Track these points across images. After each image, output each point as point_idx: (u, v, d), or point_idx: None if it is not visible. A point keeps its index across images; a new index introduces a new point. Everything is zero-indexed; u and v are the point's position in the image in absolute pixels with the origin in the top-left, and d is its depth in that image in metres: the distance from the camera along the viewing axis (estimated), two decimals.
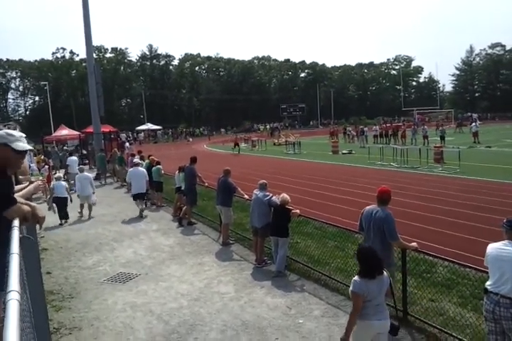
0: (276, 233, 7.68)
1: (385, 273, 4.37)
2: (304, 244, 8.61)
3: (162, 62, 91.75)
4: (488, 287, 4.18)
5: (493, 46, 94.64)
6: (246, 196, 9.68)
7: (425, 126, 34.38)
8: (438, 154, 19.88)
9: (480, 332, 4.94)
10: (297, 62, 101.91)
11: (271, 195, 8.17)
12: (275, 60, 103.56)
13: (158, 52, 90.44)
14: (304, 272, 7.59)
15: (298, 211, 7.83)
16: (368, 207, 5.79)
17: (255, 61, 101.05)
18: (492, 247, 4.23)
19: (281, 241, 7.60)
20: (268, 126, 69.78)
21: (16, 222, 2.53)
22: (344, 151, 28.93)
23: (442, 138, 29.56)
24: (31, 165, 15.57)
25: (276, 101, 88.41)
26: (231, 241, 9.72)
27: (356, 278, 4.29)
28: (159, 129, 66.91)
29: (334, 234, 8.40)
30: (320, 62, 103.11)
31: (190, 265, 8.37)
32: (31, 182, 4.19)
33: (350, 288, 4.28)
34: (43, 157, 22.12)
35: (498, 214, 9.80)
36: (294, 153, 31.35)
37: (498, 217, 8.97)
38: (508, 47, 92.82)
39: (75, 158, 20.38)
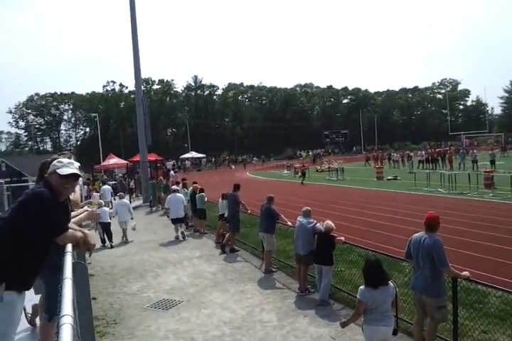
0: (320, 261, 7.58)
1: (390, 284, 4.96)
2: (348, 272, 8.42)
3: (206, 92, 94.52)
4: None
5: None
6: (289, 223, 9.66)
7: (475, 151, 33.32)
8: (488, 179, 19.16)
9: None
10: (339, 88, 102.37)
11: (315, 221, 8.12)
12: (317, 87, 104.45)
13: (203, 82, 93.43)
14: (348, 301, 7.40)
15: (343, 238, 7.74)
16: (416, 235, 5.66)
17: (297, 88, 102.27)
18: None
19: (326, 269, 7.49)
20: (310, 153, 69.76)
21: (69, 248, 2.66)
22: (389, 177, 28.39)
23: (492, 162, 28.53)
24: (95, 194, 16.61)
25: (318, 128, 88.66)
26: (273, 269, 9.65)
27: (362, 287, 4.99)
28: (203, 157, 68.27)
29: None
30: (363, 88, 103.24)
31: (233, 292, 8.36)
32: (86, 210, 4.40)
33: (357, 296, 4.99)
34: (101, 184, 23.22)
35: None
36: (337, 180, 31.06)
37: None
38: None
39: (107, 186, 21.27)
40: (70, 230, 2.97)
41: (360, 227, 13.22)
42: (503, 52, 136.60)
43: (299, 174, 34.02)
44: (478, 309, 6.30)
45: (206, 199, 14.45)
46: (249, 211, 11.79)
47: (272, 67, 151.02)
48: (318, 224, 7.94)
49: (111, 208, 16.83)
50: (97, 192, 19.95)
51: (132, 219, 14.18)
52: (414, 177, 22.90)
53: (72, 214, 3.81)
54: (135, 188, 28.70)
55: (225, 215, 12.17)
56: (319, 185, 28.78)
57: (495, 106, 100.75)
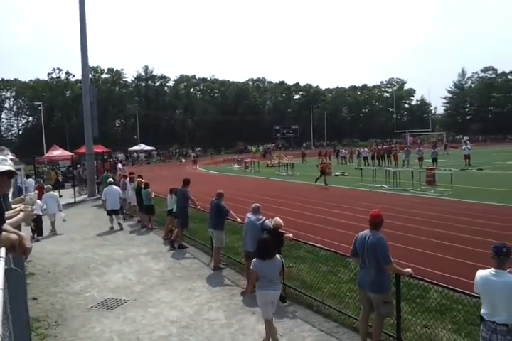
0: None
1: (277, 257, 6.00)
2: (296, 268, 8.51)
3: (157, 83, 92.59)
4: (484, 316, 4.14)
5: (485, 70, 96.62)
6: (238, 219, 9.63)
7: (421, 148, 34.53)
8: (430, 176, 19.95)
9: None
10: (291, 84, 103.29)
11: (264, 218, 8.11)
12: (270, 82, 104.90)
13: (154, 73, 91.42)
14: (296, 298, 7.47)
15: (291, 235, 7.79)
16: (361, 233, 5.76)
17: (250, 83, 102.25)
18: (480, 276, 4.22)
19: None
20: (260, 148, 69.99)
21: (2, 252, 2.47)
22: (337, 173, 29.01)
23: (434, 160, 29.76)
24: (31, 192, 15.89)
25: (270, 123, 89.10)
26: (222, 266, 9.60)
27: (254, 259, 5.92)
28: (152, 150, 66.96)
29: (327, 257, 8.34)
30: (314, 85, 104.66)
31: (181, 290, 8.23)
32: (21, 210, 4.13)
33: (251, 267, 5.92)
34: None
35: (488, 237, 9.81)
36: (287, 175, 31.38)
37: (489, 239, 8.99)
38: (499, 71, 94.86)
39: (31, 180, 20.35)
40: (3, 233, 2.76)
41: (308, 223, 13.41)
42: (448, 55, 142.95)
43: (249, 168, 34.04)
44: (420, 304, 6.53)
45: (153, 194, 14.13)
46: (199, 206, 11.65)
47: (225, 60, 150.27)
48: (267, 221, 7.94)
49: None
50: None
51: (61, 211, 14.34)
52: (361, 173, 23.52)
53: (7, 213, 3.57)
54: (74, 181, 27.41)
55: (174, 211, 11.97)
56: (270, 180, 28.95)
57: (438, 106, 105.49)
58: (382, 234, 5.58)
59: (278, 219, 7.76)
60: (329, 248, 7.71)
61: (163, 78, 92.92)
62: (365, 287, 5.55)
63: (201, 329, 6.49)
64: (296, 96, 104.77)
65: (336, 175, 28.34)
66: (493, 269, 4.10)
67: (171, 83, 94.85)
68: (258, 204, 8.47)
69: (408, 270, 5.52)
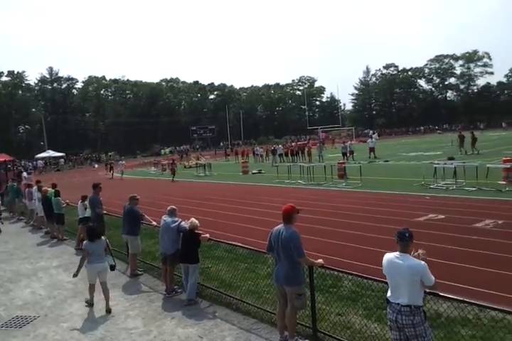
0: (185, 260, 7.49)
1: (102, 238, 7.81)
2: (215, 268, 8.49)
3: (64, 86, 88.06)
4: (389, 298, 4.35)
5: (387, 67, 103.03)
6: (154, 223, 9.40)
7: (350, 142, 35.92)
8: (341, 170, 20.88)
9: None
10: (206, 84, 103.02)
11: (180, 220, 7.98)
12: (184, 82, 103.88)
13: (60, 75, 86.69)
14: (215, 298, 7.45)
15: (207, 235, 7.74)
16: (275, 227, 5.83)
17: (163, 83, 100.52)
18: (386, 259, 4.42)
19: (192, 267, 7.42)
20: (167, 149, 68.71)
21: None
22: (254, 171, 29.42)
23: (344, 154, 31.17)
24: None
25: (186, 124, 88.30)
26: (139, 272, 9.32)
27: (85, 241, 7.68)
28: (61, 156, 63.48)
29: (245, 255, 8.39)
30: (228, 84, 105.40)
31: (96, 301, 7.85)
32: None
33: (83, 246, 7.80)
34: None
35: (396, 224, 10.42)
36: (205, 175, 31.28)
37: (396, 227, 9.56)
38: (400, 68, 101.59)
39: None
40: None
41: (226, 222, 13.45)
42: (354, 53, 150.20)
43: (167, 171, 33.43)
44: (333, 293, 6.78)
45: (65, 203, 13.32)
46: (105, 211, 11.21)
47: (136, 60, 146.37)
48: (183, 223, 7.83)
49: None
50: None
51: None
52: (277, 170, 24.04)
53: None
54: None
55: (88, 218, 11.39)
56: (188, 182, 28.67)
57: (347, 103, 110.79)
58: (296, 228, 5.69)
59: (194, 220, 7.68)
60: (247, 245, 7.78)
61: (70, 80, 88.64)
62: (280, 281, 5.64)
63: (118, 340, 6.24)
64: (212, 96, 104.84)
65: (254, 173, 28.72)
66: (397, 253, 4.31)
67: (79, 85, 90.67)
68: (174, 206, 8.33)
69: (320, 261, 5.69)
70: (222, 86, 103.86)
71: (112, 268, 7.83)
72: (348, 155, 31.80)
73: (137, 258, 9.52)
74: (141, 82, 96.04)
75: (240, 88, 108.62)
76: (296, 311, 5.65)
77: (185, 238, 7.62)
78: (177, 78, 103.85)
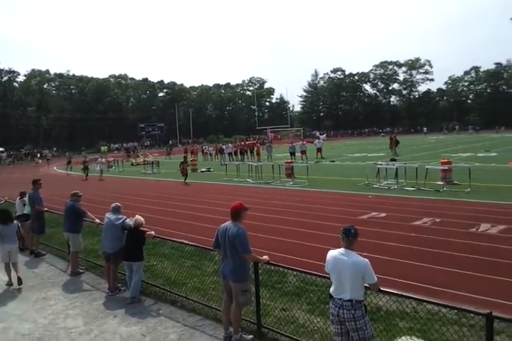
0: (129, 257, 7.32)
1: (15, 222, 8.80)
2: (160, 265, 8.37)
3: (4, 78, 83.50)
4: (332, 293, 4.45)
5: (334, 71, 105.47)
6: (97, 220, 9.13)
7: (304, 142, 36.31)
8: (289, 169, 21.20)
9: (327, 335, 5.24)
10: (155, 81, 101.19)
11: (124, 217, 7.79)
12: (132, 79, 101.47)
13: (0, 67, 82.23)
14: (160, 295, 7.34)
15: (153, 232, 7.60)
16: (223, 224, 5.82)
17: (111, 79, 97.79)
18: (330, 255, 4.51)
19: (136, 265, 7.26)
20: (105, 147, 66.81)
21: None
22: (203, 169, 29.28)
23: (292, 154, 31.64)
24: None
25: (134, 121, 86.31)
26: (81, 270, 9.02)
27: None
28: (1, 151, 60.34)
29: (191, 253, 8.33)
30: (178, 82, 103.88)
31: (33, 300, 7.54)
32: None
33: None
34: None
35: (341, 222, 10.68)
36: (153, 173, 30.76)
37: (341, 224, 9.81)
38: (347, 72, 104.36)
39: None
40: None
41: (173, 219, 13.31)
42: (304, 57, 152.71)
43: (113, 168, 32.61)
44: (278, 289, 6.86)
45: (3, 200, 12.68)
46: (46, 208, 10.77)
47: (82, 54, 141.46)
48: (127, 220, 7.65)
49: None
50: None
51: None
52: (226, 168, 24.05)
53: None
54: None
55: (28, 215, 10.88)
56: (134, 179, 28.07)
57: (295, 104, 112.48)
58: (243, 226, 5.71)
59: (139, 217, 7.53)
60: (194, 243, 7.72)
61: (12, 73, 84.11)
62: (226, 277, 5.64)
63: (57, 339, 6.01)
64: (161, 94, 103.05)
65: (202, 172, 28.57)
66: (342, 249, 4.40)
67: (20, 78, 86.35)
68: (118, 204, 8.12)
69: (265, 257, 5.74)
70: (172, 84, 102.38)
71: (21, 249, 9.26)
72: (300, 155, 32.27)
73: (79, 256, 9.22)
74: (87, 77, 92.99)
75: (190, 87, 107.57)
76: (241, 307, 5.67)
77: (129, 235, 7.45)
78: (125, 74, 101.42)
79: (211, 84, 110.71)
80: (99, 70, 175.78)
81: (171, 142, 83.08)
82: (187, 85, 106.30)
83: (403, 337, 5.03)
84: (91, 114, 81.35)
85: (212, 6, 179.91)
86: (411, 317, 5.55)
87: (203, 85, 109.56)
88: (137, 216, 7.63)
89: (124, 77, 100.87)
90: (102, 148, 67.25)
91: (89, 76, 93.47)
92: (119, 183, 26.37)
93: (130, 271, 7.35)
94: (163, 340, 5.83)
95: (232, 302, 5.66)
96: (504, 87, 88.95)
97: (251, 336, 5.66)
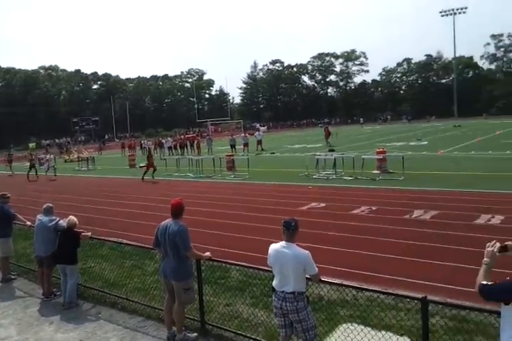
0: (63, 260, 6.97)
1: None
2: (98, 267, 8.05)
3: None
4: (275, 286, 4.46)
5: (273, 62, 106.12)
6: (28, 222, 8.62)
7: (247, 135, 36.25)
8: (230, 162, 21.17)
9: (271, 328, 5.27)
10: (89, 73, 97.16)
11: (57, 218, 7.41)
12: (64, 71, 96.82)
13: None
14: (99, 298, 7.06)
15: (89, 233, 7.29)
16: (163, 222, 5.67)
17: (41, 71, 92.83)
18: (272, 248, 4.52)
19: (70, 268, 6.92)
20: (32, 144, 63.72)
21: None
22: (141, 164, 28.55)
23: (233, 146, 31.61)
24: None
25: (66, 115, 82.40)
26: (12, 276, 8.51)
27: None
28: None
29: (131, 252, 8.09)
30: (113, 74, 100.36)
31: None
32: None
33: None
34: None
35: (282, 214, 10.77)
36: (88, 170, 29.62)
37: (280, 216, 9.90)
38: (286, 64, 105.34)
39: None
40: None
41: (109, 218, 12.91)
42: (243, 48, 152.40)
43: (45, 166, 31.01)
44: (221, 284, 6.82)
45: None
46: None
47: (9, 45, 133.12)
48: (61, 221, 7.29)
49: None
50: None
51: None
52: (166, 163, 23.62)
53: None
54: None
55: None
56: (68, 177, 26.88)
57: (235, 96, 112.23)
58: (184, 222, 5.59)
59: (72, 218, 7.18)
60: (134, 242, 7.50)
61: None
62: (168, 276, 5.52)
63: None
64: (95, 86, 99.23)
65: (141, 167, 27.88)
66: (284, 242, 4.41)
67: None
68: (50, 204, 7.71)
69: (207, 254, 5.66)
70: (107, 76, 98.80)
71: None
72: (243, 147, 32.28)
73: (10, 262, 8.69)
74: (14, 69, 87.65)
75: (127, 78, 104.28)
76: (184, 306, 5.57)
77: (63, 237, 7.08)
78: (56, 66, 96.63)
79: (148, 76, 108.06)
80: (27, 61, 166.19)
81: (107, 137, 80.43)
82: (123, 77, 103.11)
83: (344, 325, 5.18)
84: (19, 108, 76.88)
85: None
86: (351, 304, 5.69)
87: (139, 77, 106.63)
88: (70, 216, 7.27)
89: (55, 68, 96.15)
90: (30, 144, 63.73)
91: (17, 68, 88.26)
92: (48, 181, 25.13)
93: (64, 274, 7.00)
94: None
95: (175, 301, 5.55)
96: (434, 78, 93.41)
97: (195, 334, 5.59)
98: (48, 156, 30.94)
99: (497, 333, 3.09)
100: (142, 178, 21.26)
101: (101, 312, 6.61)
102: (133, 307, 6.58)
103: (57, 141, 69.57)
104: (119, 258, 8.19)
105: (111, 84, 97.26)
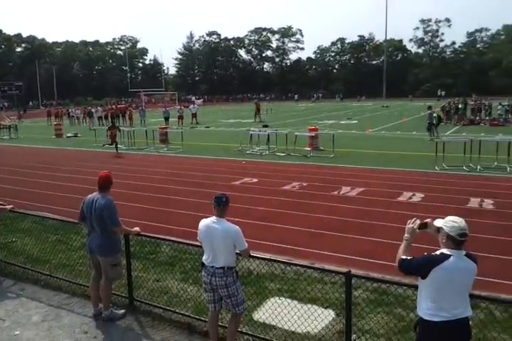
0: None
1: None
2: (20, 242, 7.66)
3: None
4: (205, 261, 4.46)
5: (210, 34, 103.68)
6: None
7: (182, 107, 35.32)
8: (163, 135, 20.71)
9: (201, 303, 5.30)
10: (12, 34, 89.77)
11: None
12: None
13: None
14: (20, 275, 6.74)
15: (8, 206, 6.86)
16: (89, 196, 5.44)
17: None
18: (202, 224, 4.48)
19: None
20: None
21: None
22: (69, 134, 27.28)
23: (166, 119, 30.89)
24: None
25: None
26: None
27: None
28: None
29: (56, 227, 7.75)
30: (39, 37, 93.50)
31: None
32: None
33: None
34: None
35: (213, 188, 10.79)
36: (10, 138, 27.78)
37: (213, 191, 9.90)
38: (222, 37, 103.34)
39: None
40: None
41: (31, 190, 12.24)
42: (178, 17, 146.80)
43: None
44: (151, 259, 6.74)
45: None
46: None
47: None
48: None
49: None
50: None
51: None
52: (95, 134, 22.67)
53: None
54: None
55: None
56: None
57: (170, 67, 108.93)
58: (111, 196, 5.41)
59: None
60: (59, 215, 7.18)
61: None
62: (94, 251, 5.36)
63: None
64: (19, 49, 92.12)
65: (68, 137, 26.62)
66: (214, 217, 4.39)
67: None
68: None
69: (136, 229, 5.54)
70: (32, 38, 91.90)
71: None
72: (177, 119, 31.55)
73: None
74: None
75: (53, 42, 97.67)
76: (111, 282, 5.45)
77: None
78: None
79: (77, 41, 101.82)
80: None
81: (31, 103, 75.53)
82: (49, 40, 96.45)
83: (272, 299, 5.33)
84: None
85: None
86: (280, 278, 5.86)
87: (68, 41, 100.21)
88: None
89: None
90: None
91: None
92: None
93: None
94: (26, 323, 5.40)
95: (101, 277, 5.41)
96: (366, 59, 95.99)
97: (122, 310, 5.51)
98: None
99: (414, 305, 3.30)
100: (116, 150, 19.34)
101: (23, 290, 6.32)
102: (57, 283, 6.34)
103: None
104: (43, 232, 7.79)
105: (36, 47, 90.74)
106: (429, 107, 21.63)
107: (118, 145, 19.26)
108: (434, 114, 21.19)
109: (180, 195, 11.26)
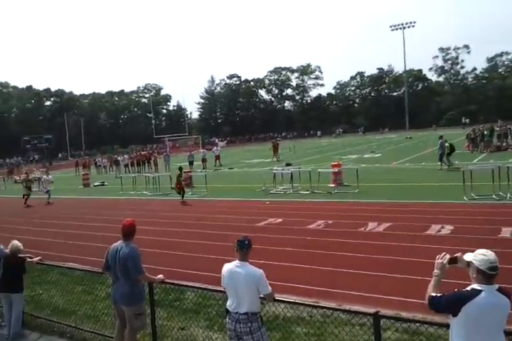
0: (7, 289, 6.61)
1: None
2: (46, 294, 7.68)
3: None
4: (229, 308, 4.36)
5: (230, 77, 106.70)
6: None
7: (204, 150, 36.03)
8: (187, 179, 20.91)
9: None
10: (41, 89, 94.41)
11: None
12: (15, 87, 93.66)
13: None
14: (46, 327, 6.72)
15: (35, 259, 6.95)
16: (113, 244, 5.47)
17: None
18: (226, 269, 4.42)
19: (15, 297, 6.56)
20: None
21: None
22: (96, 183, 27.87)
23: (191, 163, 31.35)
24: None
25: (18, 133, 79.32)
26: None
27: None
28: None
29: (82, 277, 7.80)
30: (67, 90, 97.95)
31: None
32: None
33: None
34: None
35: (238, 230, 10.69)
36: (39, 191, 28.51)
37: (238, 233, 9.82)
38: (243, 78, 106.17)
39: None
40: None
41: (62, 241, 12.39)
42: (200, 62, 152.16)
43: None
44: (175, 307, 6.64)
45: None
46: None
47: None
48: (1, 247, 6.91)
49: None
50: None
51: None
52: (121, 181, 23.11)
53: None
54: None
55: None
56: (17, 198, 25.74)
57: (193, 111, 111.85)
58: (135, 244, 5.41)
59: (16, 242, 6.81)
60: (86, 266, 7.21)
61: None
62: (118, 301, 5.33)
63: None
64: (48, 103, 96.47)
65: (96, 186, 27.19)
66: (237, 261, 4.33)
67: None
68: None
69: (160, 276, 5.49)
70: (60, 92, 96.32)
71: None
72: (201, 163, 32.04)
73: None
74: None
75: (81, 95, 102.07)
76: (135, 332, 5.37)
77: (6, 264, 6.72)
78: (6, 82, 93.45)
79: (104, 92, 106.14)
80: None
81: (60, 155, 78.01)
82: (77, 93, 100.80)
83: None
84: None
85: (101, 7, 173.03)
86: (306, 322, 5.67)
87: (94, 93, 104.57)
88: (14, 241, 6.91)
89: (5, 85, 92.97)
90: None
91: None
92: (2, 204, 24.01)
93: (9, 303, 6.62)
94: None
95: (126, 327, 5.34)
96: (386, 91, 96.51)
97: None
98: (47, 176, 27.03)
99: None
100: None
101: None
102: (83, 335, 6.29)
103: (7, 160, 66.80)
104: (69, 283, 7.84)
105: (64, 101, 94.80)
106: (441, 137, 21.63)
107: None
108: (446, 144, 21.04)
109: (204, 239, 11.18)
